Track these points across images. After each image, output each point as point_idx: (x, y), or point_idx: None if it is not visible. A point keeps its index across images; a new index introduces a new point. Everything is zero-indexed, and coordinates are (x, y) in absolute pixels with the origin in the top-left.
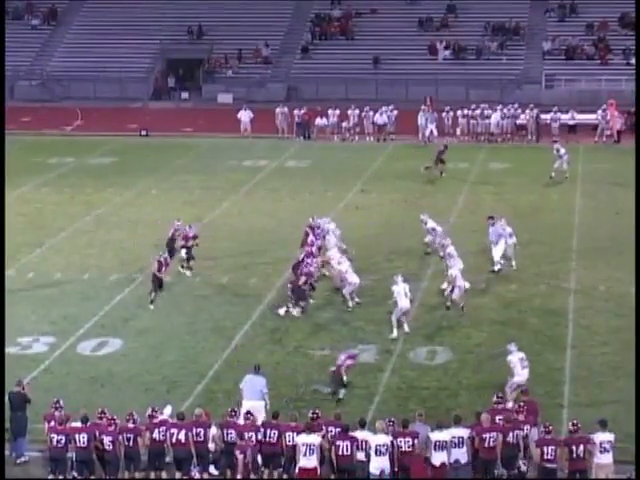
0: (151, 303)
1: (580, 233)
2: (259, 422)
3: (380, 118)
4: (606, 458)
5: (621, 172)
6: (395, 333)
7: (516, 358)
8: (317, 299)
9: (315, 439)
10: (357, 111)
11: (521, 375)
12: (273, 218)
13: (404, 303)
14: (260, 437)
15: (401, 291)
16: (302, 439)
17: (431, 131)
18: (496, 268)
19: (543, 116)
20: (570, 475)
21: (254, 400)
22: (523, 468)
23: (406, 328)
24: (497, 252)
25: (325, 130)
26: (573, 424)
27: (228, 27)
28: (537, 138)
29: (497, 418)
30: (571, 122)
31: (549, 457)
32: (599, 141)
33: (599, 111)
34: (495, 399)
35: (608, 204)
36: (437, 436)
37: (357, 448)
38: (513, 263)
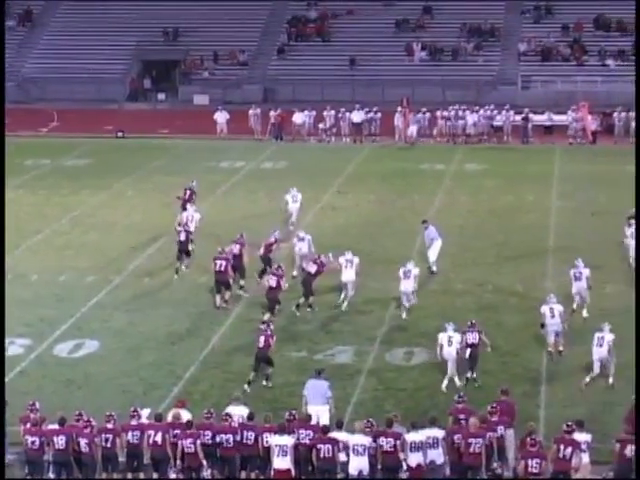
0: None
1: (556, 234)
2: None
3: (357, 115)
4: (583, 458)
5: (597, 173)
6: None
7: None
8: (295, 301)
9: (288, 440)
10: (333, 112)
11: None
12: (250, 219)
13: (345, 276)
14: (237, 438)
15: (343, 263)
16: (275, 440)
17: (412, 132)
18: (434, 269)
19: (536, 117)
20: (553, 475)
21: (318, 405)
22: (498, 470)
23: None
24: (432, 253)
25: (302, 129)
26: (568, 425)
27: (204, 28)
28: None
29: (460, 417)
30: (547, 123)
31: (534, 470)
32: (574, 142)
33: (570, 112)
34: (456, 398)
35: (584, 205)
36: (412, 437)
37: (338, 450)
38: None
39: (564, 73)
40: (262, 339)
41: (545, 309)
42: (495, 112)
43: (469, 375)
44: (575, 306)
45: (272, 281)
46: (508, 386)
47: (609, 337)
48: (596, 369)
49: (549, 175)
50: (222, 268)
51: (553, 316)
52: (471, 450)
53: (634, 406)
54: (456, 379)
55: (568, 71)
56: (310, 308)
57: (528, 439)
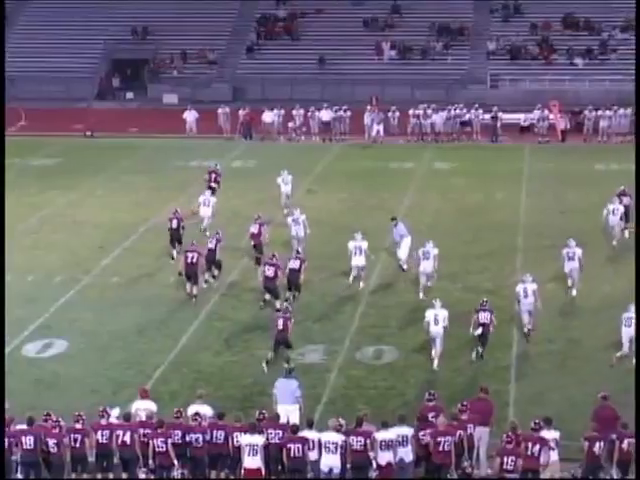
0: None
1: (526, 232)
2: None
3: (326, 114)
4: (552, 456)
5: (566, 171)
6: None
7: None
8: (265, 299)
9: (259, 439)
10: (302, 111)
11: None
12: (221, 217)
13: (355, 261)
14: (207, 438)
15: (352, 249)
16: (246, 440)
17: (378, 131)
18: (405, 267)
19: (505, 116)
20: (523, 475)
21: (288, 404)
22: (468, 469)
23: (361, 284)
24: (403, 251)
25: (271, 128)
26: (535, 423)
27: (173, 27)
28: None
29: (430, 415)
30: (524, 123)
31: (509, 467)
32: (542, 141)
33: (535, 111)
34: (427, 396)
35: (553, 203)
36: (383, 435)
37: (309, 449)
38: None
39: (533, 72)
40: (281, 322)
41: (520, 288)
42: (464, 111)
43: (480, 349)
44: (573, 293)
45: (269, 271)
46: (481, 385)
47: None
48: (626, 349)
49: (518, 173)
50: (193, 260)
51: (527, 296)
52: (440, 448)
53: (601, 404)
54: (435, 363)
55: (537, 70)
56: (287, 301)
57: (505, 436)
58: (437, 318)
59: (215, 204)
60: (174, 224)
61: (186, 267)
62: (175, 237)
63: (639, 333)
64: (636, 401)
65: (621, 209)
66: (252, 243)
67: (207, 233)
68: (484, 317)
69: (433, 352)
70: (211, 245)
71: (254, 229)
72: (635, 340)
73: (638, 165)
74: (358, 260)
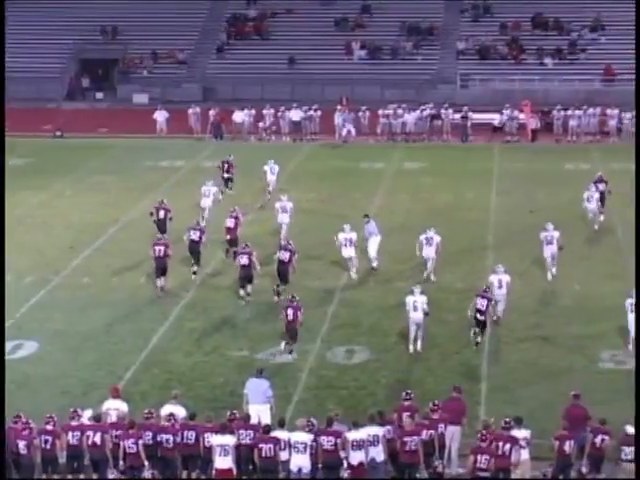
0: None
1: (496, 231)
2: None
3: (296, 114)
4: (522, 454)
5: (536, 171)
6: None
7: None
8: (236, 300)
9: (230, 440)
10: (272, 111)
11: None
12: (192, 218)
13: (346, 253)
14: (178, 439)
15: (342, 241)
16: (217, 440)
17: (349, 131)
18: (375, 264)
19: (475, 116)
20: (494, 474)
21: (259, 404)
22: (440, 468)
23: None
24: (372, 249)
25: (242, 128)
26: (506, 422)
27: (142, 27)
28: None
29: (405, 414)
30: (497, 123)
31: (482, 466)
32: (511, 140)
33: (504, 111)
34: (404, 396)
35: (523, 202)
36: (354, 435)
37: (280, 449)
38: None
39: (502, 72)
40: (291, 312)
41: (493, 279)
42: (434, 111)
43: (478, 339)
44: (549, 275)
45: (244, 259)
46: (454, 384)
47: None
48: (632, 333)
49: (488, 173)
50: (161, 254)
51: (500, 287)
52: (407, 448)
53: (572, 402)
54: (411, 346)
55: (506, 70)
56: (274, 291)
57: (479, 434)
58: (416, 304)
59: (216, 193)
60: (161, 214)
61: (154, 260)
62: (161, 228)
63: (639, 334)
64: (636, 401)
65: (596, 195)
66: (227, 237)
67: (204, 223)
68: (481, 304)
69: (411, 337)
70: (194, 237)
71: (230, 223)
72: (635, 340)
73: (638, 165)
74: (349, 251)
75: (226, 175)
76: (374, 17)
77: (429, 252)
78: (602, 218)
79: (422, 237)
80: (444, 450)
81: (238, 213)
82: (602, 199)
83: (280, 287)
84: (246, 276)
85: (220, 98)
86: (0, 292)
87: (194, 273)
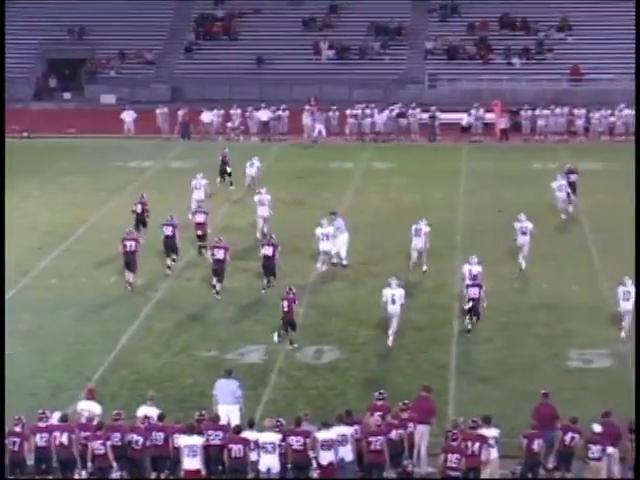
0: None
1: (464, 230)
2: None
3: (264, 114)
4: (492, 453)
5: (504, 170)
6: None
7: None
8: (205, 299)
9: (197, 440)
10: (239, 111)
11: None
12: (160, 218)
13: (323, 246)
14: (147, 439)
15: (319, 235)
16: (184, 441)
17: (319, 131)
18: (345, 262)
19: (443, 116)
20: (465, 474)
21: (228, 405)
22: (409, 468)
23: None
24: (342, 249)
25: (210, 128)
26: (473, 421)
27: (110, 27)
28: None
29: (377, 414)
30: (464, 123)
31: (453, 465)
32: (477, 140)
33: (472, 111)
34: (377, 395)
35: (491, 202)
36: (324, 435)
37: (250, 449)
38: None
39: (470, 72)
40: (286, 304)
41: (465, 269)
42: (403, 110)
43: (469, 321)
44: (522, 265)
45: (219, 254)
46: (423, 384)
47: (633, 290)
48: (625, 323)
49: (456, 173)
50: (132, 248)
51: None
52: (372, 448)
53: (541, 401)
54: (390, 338)
55: (474, 70)
56: (263, 289)
57: (450, 433)
58: (394, 298)
59: (207, 186)
60: (138, 209)
61: (124, 255)
62: (140, 221)
63: (639, 332)
64: (636, 401)
65: (565, 184)
66: (197, 233)
67: (190, 216)
68: (473, 292)
69: (390, 330)
70: (168, 232)
71: (200, 218)
72: (635, 340)
73: (638, 165)
74: (326, 245)
75: (227, 169)
76: (342, 17)
77: (417, 242)
78: (571, 209)
79: (412, 228)
80: (414, 449)
81: (207, 209)
82: (573, 190)
83: (271, 282)
84: (219, 269)
85: (188, 98)
86: (0, 295)
87: (168, 267)
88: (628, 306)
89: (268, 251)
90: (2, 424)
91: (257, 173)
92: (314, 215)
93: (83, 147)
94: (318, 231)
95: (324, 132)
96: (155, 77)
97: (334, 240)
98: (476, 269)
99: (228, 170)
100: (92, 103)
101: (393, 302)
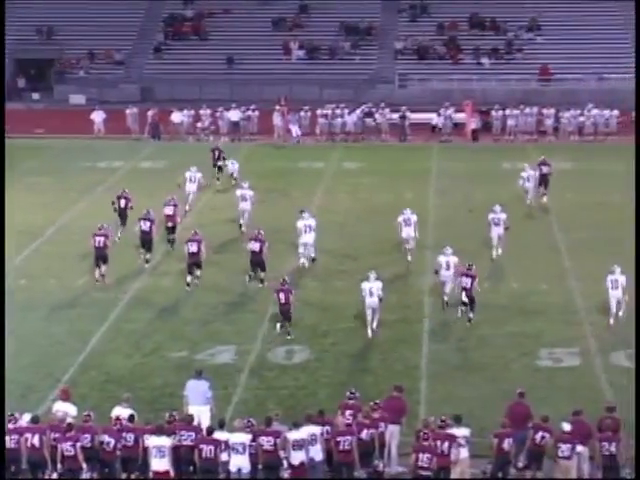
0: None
1: (434, 230)
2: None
3: (234, 114)
4: (462, 453)
5: (474, 170)
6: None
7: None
8: (176, 299)
9: (166, 441)
10: (209, 111)
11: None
12: (132, 217)
13: (304, 239)
14: (117, 441)
15: (301, 228)
16: (153, 441)
17: (296, 132)
18: (313, 255)
19: (413, 115)
20: (436, 474)
21: (199, 405)
22: (380, 467)
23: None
24: (310, 247)
25: (180, 128)
26: (442, 420)
27: (79, 27)
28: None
29: (347, 412)
30: (434, 122)
31: (424, 465)
32: (446, 140)
33: (441, 111)
34: (348, 394)
35: (462, 201)
36: (294, 435)
37: (221, 450)
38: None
39: (440, 71)
40: (282, 295)
41: (442, 260)
42: (373, 110)
43: (471, 315)
44: (494, 253)
45: (193, 247)
46: (394, 384)
47: (622, 279)
48: (613, 309)
49: (427, 173)
50: (101, 244)
51: (448, 268)
52: (341, 448)
53: (516, 400)
54: (369, 330)
55: (444, 69)
56: (262, 283)
57: (421, 433)
58: (372, 290)
59: (201, 179)
60: (122, 203)
61: (95, 250)
62: (123, 215)
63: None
64: (636, 401)
65: (534, 174)
66: (167, 225)
67: (187, 207)
68: (466, 282)
69: (368, 321)
70: (145, 227)
71: (169, 210)
72: (635, 342)
73: (638, 165)
74: (307, 237)
75: (220, 163)
76: (312, 17)
77: (409, 232)
78: (545, 199)
79: (400, 218)
80: (384, 449)
81: (177, 201)
82: (546, 181)
83: (258, 276)
84: (195, 263)
85: (158, 98)
86: (0, 292)
87: (147, 261)
88: (618, 294)
89: (255, 246)
90: (2, 424)
91: (238, 170)
92: (283, 214)
93: (52, 147)
94: (299, 223)
95: (299, 132)
96: (124, 77)
97: (300, 235)
98: (452, 260)
99: (219, 164)
100: (61, 103)
101: (371, 295)
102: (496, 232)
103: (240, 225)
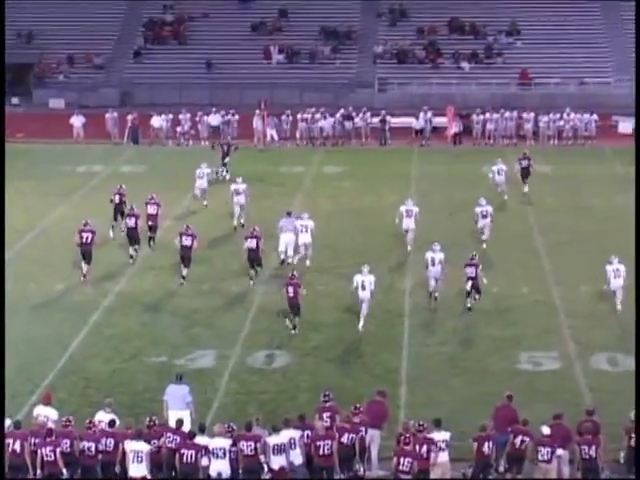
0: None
1: (415, 233)
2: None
3: (214, 119)
4: (442, 456)
5: (455, 174)
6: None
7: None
8: (155, 304)
9: (144, 446)
10: (188, 115)
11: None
12: (109, 224)
13: (302, 239)
14: (98, 446)
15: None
16: (131, 446)
17: (272, 136)
18: (290, 261)
19: (393, 119)
20: (416, 477)
21: (179, 410)
22: (360, 472)
23: (307, 262)
24: (287, 246)
25: (160, 133)
26: (419, 424)
27: (58, 31)
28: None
29: (325, 415)
30: (417, 126)
31: (405, 469)
32: (425, 144)
33: (421, 114)
34: (323, 397)
35: (442, 204)
36: (275, 440)
37: (201, 455)
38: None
39: (420, 75)
40: (291, 289)
41: (428, 256)
42: (353, 114)
43: (477, 297)
44: (484, 246)
45: (187, 241)
46: (377, 388)
47: (622, 267)
48: (619, 296)
49: (407, 176)
50: (87, 240)
51: (434, 264)
52: (320, 452)
53: (503, 403)
54: (361, 323)
55: (424, 73)
56: (251, 279)
57: (402, 437)
58: (364, 284)
59: (210, 175)
60: (117, 199)
61: (80, 246)
62: (118, 210)
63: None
64: (636, 401)
65: (504, 168)
66: (149, 224)
67: (205, 203)
68: (470, 271)
69: (361, 315)
70: (131, 224)
71: (151, 210)
72: (635, 341)
73: (638, 166)
74: (304, 237)
75: (226, 160)
76: (292, 21)
77: (409, 223)
78: (526, 189)
79: (402, 209)
80: (365, 453)
81: (158, 200)
82: (527, 173)
83: (258, 273)
84: (186, 256)
85: (138, 103)
86: (0, 294)
87: (131, 257)
88: (619, 282)
89: (252, 244)
90: (2, 424)
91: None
92: (264, 218)
93: (31, 152)
94: (297, 223)
95: (276, 137)
96: (104, 81)
97: (278, 239)
98: (439, 256)
99: (225, 161)
100: (41, 108)
101: (363, 288)
102: (483, 223)
103: (237, 224)
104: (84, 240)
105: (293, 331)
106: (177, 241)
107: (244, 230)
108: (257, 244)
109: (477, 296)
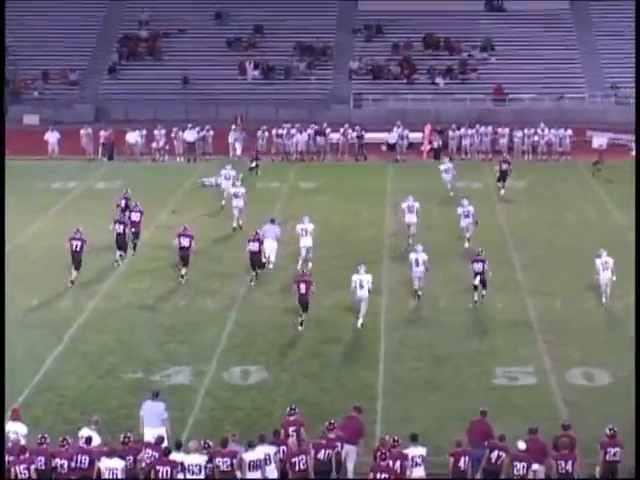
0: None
1: (390, 246)
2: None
3: (190, 134)
4: (418, 472)
5: (430, 189)
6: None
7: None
8: (131, 320)
9: (118, 463)
10: (164, 131)
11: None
12: (98, 239)
13: (303, 242)
14: (72, 463)
15: (299, 231)
16: (105, 464)
17: (237, 149)
18: (271, 266)
19: (368, 135)
20: None
21: (155, 427)
22: None
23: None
24: (271, 254)
25: (135, 149)
26: (394, 439)
27: (33, 47)
28: (364, 156)
29: (290, 430)
30: (391, 140)
31: None
32: (400, 159)
33: (394, 129)
34: (289, 411)
35: (418, 219)
36: (250, 456)
37: (177, 472)
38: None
39: (395, 91)
40: (303, 286)
41: (412, 257)
42: (329, 130)
43: (484, 292)
44: (467, 245)
45: (185, 241)
46: (354, 404)
47: (610, 260)
48: (606, 289)
49: (382, 191)
50: (77, 248)
51: (418, 265)
52: (297, 468)
53: (478, 418)
54: (360, 321)
55: (399, 89)
56: (251, 281)
57: (379, 453)
58: (362, 283)
59: (235, 177)
60: (123, 204)
61: (71, 254)
62: (119, 215)
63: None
64: (636, 401)
65: (451, 167)
66: (132, 230)
67: (223, 202)
68: (478, 267)
69: (360, 314)
70: (119, 230)
71: (135, 217)
72: (635, 342)
73: (638, 166)
74: (305, 241)
75: (253, 164)
76: (267, 37)
77: (411, 218)
78: (503, 192)
79: (404, 205)
80: (340, 469)
81: (141, 207)
82: (505, 176)
83: (258, 275)
84: (184, 256)
85: (113, 119)
86: (0, 291)
87: (116, 261)
88: (608, 274)
89: (255, 247)
90: (2, 424)
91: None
92: (239, 234)
93: (6, 168)
94: (298, 227)
95: (239, 151)
96: (79, 97)
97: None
98: (422, 257)
99: (254, 164)
100: (15, 124)
101: (361, 287)
102: (466, 223)
103: (235, 226)
104: (74, 248)
105: (300, 327)
106: (176, 242)
107: (245, 233)
108: (259, 247)
109: (484, 291)
